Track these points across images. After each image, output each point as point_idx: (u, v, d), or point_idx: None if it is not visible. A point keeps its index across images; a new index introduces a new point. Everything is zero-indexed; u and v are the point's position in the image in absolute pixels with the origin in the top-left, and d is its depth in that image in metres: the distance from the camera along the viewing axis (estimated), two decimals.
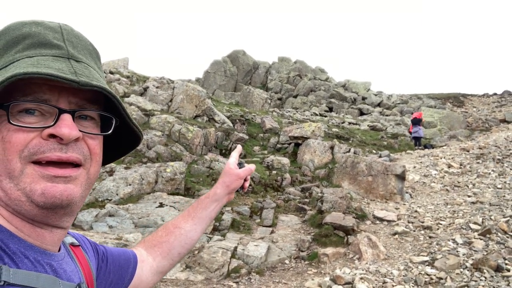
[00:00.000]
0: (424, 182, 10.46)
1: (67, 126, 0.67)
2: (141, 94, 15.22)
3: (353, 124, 22.62)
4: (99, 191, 8.50)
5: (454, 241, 6.30)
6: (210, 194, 1.24)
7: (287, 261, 6.68)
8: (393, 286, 5.16)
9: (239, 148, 1.36)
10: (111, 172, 9.21)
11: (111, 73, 17.65)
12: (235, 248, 6.74)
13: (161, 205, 8.16)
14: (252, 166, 1.31)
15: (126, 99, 13.76)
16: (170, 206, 8.12)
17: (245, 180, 1.27)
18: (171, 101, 14.94)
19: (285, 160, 12.06)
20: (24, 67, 0.65)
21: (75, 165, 0.71)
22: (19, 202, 0.67)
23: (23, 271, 0.64)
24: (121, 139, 0.85)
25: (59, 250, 0.78)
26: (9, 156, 0.65)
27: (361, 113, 29.61)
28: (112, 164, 9.55)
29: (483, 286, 4.88)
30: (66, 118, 0.68)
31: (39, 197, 0.66)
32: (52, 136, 0.67)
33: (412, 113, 22.65)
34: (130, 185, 8.76)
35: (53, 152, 0.67)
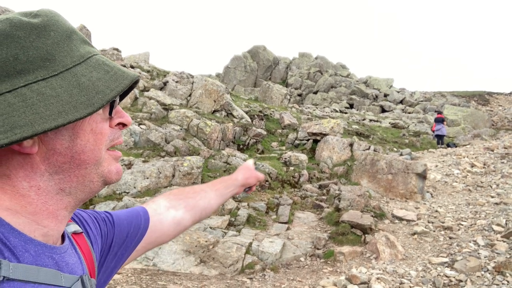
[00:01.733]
0: (446, 182, 10.20)
1: (127, 115, 0.78)
2: (161, 89, 15.30)
3: (374, 121, 22.28)
4: (117, 183, 8.58)
5: (475, 242, 6.11)
6: (232, 177, 1.38)
7: (302, 259, 6.60)
8: (410, 287, 5.03)
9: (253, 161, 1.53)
10: (129, 165, 9.28)
11: (132, 67, 17.82)
12: (250, 244, 6.69)
13: None
14: (262, 176, 1.49)
15: (145, 93, 13.86)
16: None
17: (253, 184, 1.44)
18: (190, 95, 14.98)
19: (303, 157, 11.93)
20: (121, 67, 0.74)
21: None
22: (90, 183, 0.73)
23: (23, 265, 0.63)
24: None
25: (62, 242, 0.77)
26: (100, 145, 0.72)
27: (383, 110, 29.16)
28: (131, 157, 9.63)
29: None
30: (120, 108, 0.77)
31: (115, 175, 0.76)
32: (117, 124, 0.76)
33: (436, 111, 22.15)
34: (147, 178, 8.81)
35: (120, 138, 0.78)
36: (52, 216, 0.70)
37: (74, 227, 0.87)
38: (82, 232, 0.89)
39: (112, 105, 0.73)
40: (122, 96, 0.83)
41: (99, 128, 0.72)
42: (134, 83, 0.81)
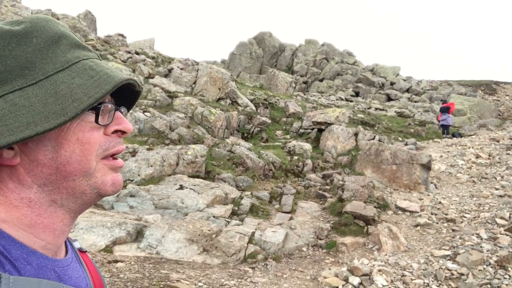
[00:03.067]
0: (450, 173, 10.16)
1: (127, 121, 0.74)
2: (166, 76, 15.25)
3: (380, 110, 22.14)
4: (121, 171, 8.61)
5: (478, 235, 6.10)
6: None
7: (304, 249, 6.63)
8: (412, 280, 5.05)
9: None
10: (133, 153, 9.31)
11: (137, 53, 17.75)
12: (253, 233, 6.73)
13: (181, 187, 8.20)
14: None
15: (150, 80, 13.82)
16: (190, 188, 8.16)
17: None
18: (194, 83, 14.93)
19: (307, 146, 11.91)
20: (111, 71, 0.69)
21: None
22: (82, 195, 0.70)
23: (24, 278, 0.62)
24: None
25: (66, 255, 0.77)
26: (88, 156, 0.68)
27: (389, 98, 28.96)
28: (135, 145, 9.65)
29: (506, 285, 4.70)
30: (121, 114, 0.74)
31: (111, 187, 0.72)
32: (114, 131, 0.73)
33: (441, 100, 21.95)
34: (151, 166, 8.84)
35: (119, 146, 0.73)
36: (49, 230, 0.69)
37: (79, 245, 0.87)
38: (86, 251, 0.89)
39: (98, 112, 0.68)
40: (131, 103, 0.82)
41: (87, 137, 0.68)
42: (135, 90, 0.78)
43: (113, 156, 0.74)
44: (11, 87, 0.62)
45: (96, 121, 0.68)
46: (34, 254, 0.67)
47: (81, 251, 0.87)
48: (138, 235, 6.39)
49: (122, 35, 20.17)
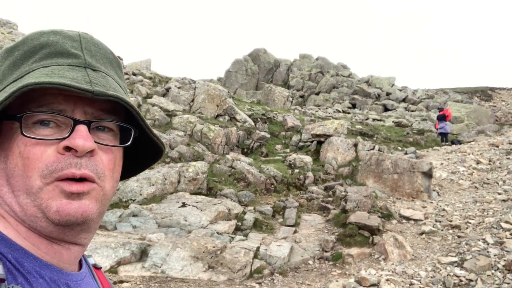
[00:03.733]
0: (452, 179, 10.16)
1: (81, 137, 0.63)
2: (164, 95, 15.33)
3: (377, 120, 22.22)
4: (123, 191, 8.60)
5: (484, 241, 6.07)
6: None
7: (310, 262, 6.59)
8: None
9: None
10: None
11: (134, 74, 17.87)
12: (258, 248, 6.69)
13: (184, 205, 8.18)
14: None
15: (148, 100, 13.89)
16: (193, 206, 8.13)
17: None
18: (192, 101, 15.00)
19: (308, 159, 11.92)
20: (37, 76, 0.62)
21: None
22: (35, 219, 0.64)
23: None
24: (144, 151, 0.81)
25: (80, 269, 0.75)
26: (29, 172, 0.63)
27: (386, 109, 29.08)
28: None
29: None
30: (81, 129, 0.64)
31: (54, 214, 0.63)
32: (68, 148, 0.64)
33: (438, 108, 22.08)
34: (153, 185, 8.82)
35: (69, 169, 0.63)
36: (49, 245, 0.67)
37: (94, 261, 0.85)
38: (101, 267, 0.87)
39: (20, 124, 0.63)
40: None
41: (27, 151, 0.63)
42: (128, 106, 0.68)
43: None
44: None
45: (22, 133, 0.62)
46: (48, 267, 0.66)
47: (96, 267, 0.85)
48: (142, 254, 6.34)
49: (118, 57, 20.31)
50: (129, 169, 0.83)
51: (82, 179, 0.65)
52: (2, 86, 0.66)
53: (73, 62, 0.67)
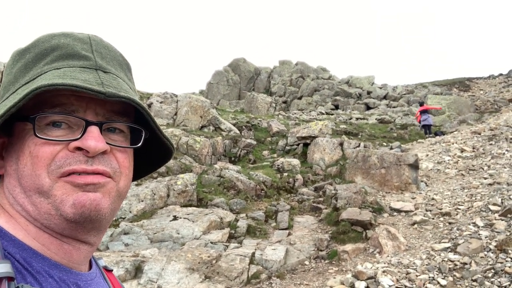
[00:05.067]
0: (438, 169, 10.30)
1: (93, 138, 0.64)
2: None
3: (361, 119, 22.45)
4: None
5: (474, 224, 6.16)
6: None
7: (307, 262, 6.58)
8: (417, 276, 5.04)
9: None
10: None
11: None
12: (253, 253, 6.65)
13: (175, 218, 8.11)
14: None
15: None
16: (184, 218, 8.07)
17: None
18: (176, 114, 14.97)
19: (295, 161, 11.96)
20: (50, 78, 0.63)
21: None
22: (49, 216, 0.64)
23: None
24: (153, 152, 0.82)
25: (90, 269, 0.75)
26: (37, 171, 0.63)
27: (368, 107, 29.42)
28: None
29: (509, 267, 4.73)
30: (93, 130, 0.66)
31: (70, 208, 0.63)
32: (79, 149, 0.65)
33: (419, 102, 22.44)
34: (142, 201, 8.74)
35: (79, 165, 0.64)
36: (59, 245, 0.68)
37: (104, 263, 0.86)
38: (112, 270, 0.87)
39: (34, 125, 0.64)
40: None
41: (36, 150, 0.64)
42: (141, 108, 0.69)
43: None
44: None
45: (35, 134, 0.64)
46: (57, 267, 0.66)
47: (107, 269, 0.85)
48: (137, 271, 6.26)
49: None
50: (140, 170, 0.84)
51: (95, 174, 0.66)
52: (14, 88, 0.67)
53: (85, 64, 0.68)
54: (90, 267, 0.76)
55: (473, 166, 9.80)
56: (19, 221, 0.66)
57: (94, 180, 0.65)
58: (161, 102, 15.71)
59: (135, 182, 9.57)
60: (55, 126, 0.65)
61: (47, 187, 0.64)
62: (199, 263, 6.34)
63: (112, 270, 0.86)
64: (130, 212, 8.50)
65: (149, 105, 15.49)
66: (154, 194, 8.92)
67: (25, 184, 0.64)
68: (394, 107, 28.10)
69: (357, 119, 22.54)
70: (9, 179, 0.66)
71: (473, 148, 11.23)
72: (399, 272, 5.23)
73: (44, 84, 0.61)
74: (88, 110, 0.67)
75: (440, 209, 7.41)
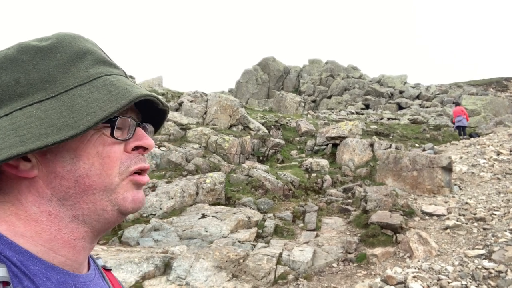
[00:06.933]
0: (473, 172, 9.97)
1: (148, 138, 0.72)
2: (177, 110, 15.51)
3: (392, 119, 22.02)
4: (143, 207, 8.67)
5: (511, 231, 5.93)
6: None
7: (334, 264, 6.52)
8: (449, 283, 4.91)
9: None
10: (153, 188, 9.38)
11: None
12: (280, 254, 6.65)
13: (204, 216, 8.20)
14: None
15: None
16: (212, 216, 8.15)
17: None
18: (205, 113, 15.12)
19: (324, 162, 11.86)
20: (131, 87, 0.68)
21: None
22: (102, 212, 0.68)
23: None
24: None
25: (88, 270, 0.75)
26: (109, 170, 0.67)
27: (400, 107, 28.83)
28: (154, 180, 9.74)
29: None
30: (142, 130, 0.73)
31: (130, 203, 0.69)
32: (136, 148, 0.71)
33: (453, 102, 21.78)
34: (172, 198, 8.88)
35: (141, 163, 0.71)
36: (69, 245, 0.67)
37: (103, 262, 0.85)
38: (111, 269, 0.86)
39: (114, 126, 0.67)
40: (159, 123, 0.82)
41: (106, 151, 0.67)
42: (161, 109, 0.77)
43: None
44: (31, 100, 0.63)
45: (112, 134, 0.67)
46: (54, 269, 0.65)
47: (105, 269, 0.85)
48: (166, 267, 6.37)
49: (131, 76, 20.71)
50: None
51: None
52: (61, 85, 0.65)
53: (119, 72, 0.72)
54: (88, 268, 0.75)
55: (510, 169, 9.44)
56: (33, 226, 0.65)
57: (148, 180, 0.73)
58: (191, 101, 15.92)
59: (165, 180, 9.74)
60: (117, 127, 0.69)
61: (115, 185, 0.68)
62: (226, 261, 6.39)
63: (111, 270, 0.86)
64: (161, 209, 8.66)
65: (180, 104, 15.72)
66: (184, 192, 9.05)
67: (90, 183, 0.66)
68: (427, 107, 27.42)
69: (388, 119, 22.12)
70: (60, 180, 0.65)
71: (510, 151, 10.81)
72: (430, 278, 5.10)
73: (145, 93, 0.68)
74: (130, 111, 0.72)
75: (474, 214, 7.18)
